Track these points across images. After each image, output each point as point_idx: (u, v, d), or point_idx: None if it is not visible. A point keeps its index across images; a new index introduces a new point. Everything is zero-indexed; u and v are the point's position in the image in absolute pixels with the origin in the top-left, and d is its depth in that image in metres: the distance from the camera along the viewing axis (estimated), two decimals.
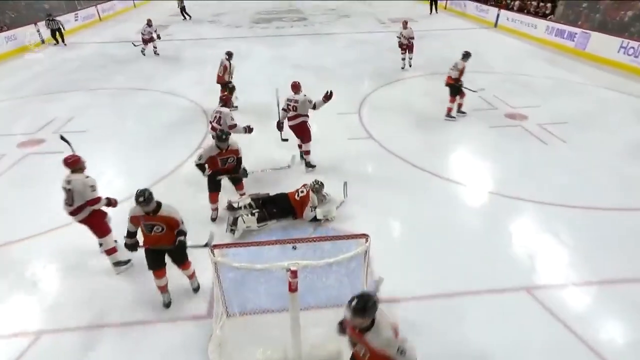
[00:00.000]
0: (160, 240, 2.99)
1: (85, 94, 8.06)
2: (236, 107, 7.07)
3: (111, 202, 3.47)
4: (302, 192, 4.12)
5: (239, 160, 4.06)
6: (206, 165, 3.94)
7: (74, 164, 3.33)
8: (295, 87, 4.86)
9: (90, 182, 3.31)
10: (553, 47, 11.12)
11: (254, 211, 4.04)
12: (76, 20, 14.51)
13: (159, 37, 10.58)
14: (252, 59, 10.15)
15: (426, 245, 3.81)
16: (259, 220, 3.97)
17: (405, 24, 8.67)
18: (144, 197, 2.83)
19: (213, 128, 4.64)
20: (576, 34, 10.44)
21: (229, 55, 6.85)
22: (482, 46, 11.49)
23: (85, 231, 3.54)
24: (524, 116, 6.60)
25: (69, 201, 3.33)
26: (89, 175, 3.34)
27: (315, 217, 4.06)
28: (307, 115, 4.84)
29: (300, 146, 5.16)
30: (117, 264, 3.57)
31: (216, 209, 4.18)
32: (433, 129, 6.20)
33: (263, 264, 2.45)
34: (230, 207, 4.17)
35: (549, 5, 12.67)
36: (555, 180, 4.82)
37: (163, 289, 3.20)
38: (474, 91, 6.50)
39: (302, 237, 3.24)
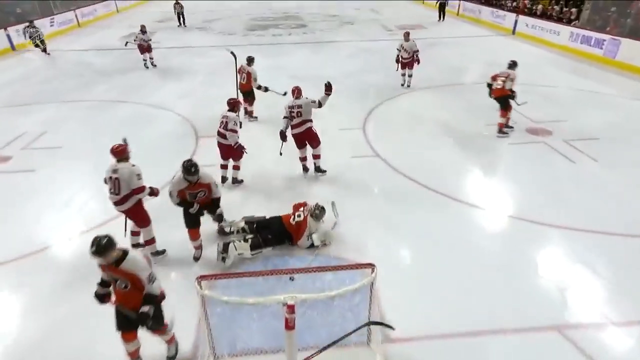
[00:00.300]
0: (127, 299, 2.73)
1: (60, 107, 8.28)
2: (256, 117, 7.41)
3: (154, 192, 3.98)
4: (298, 216, 4.15)
5: (215, 201, 3.88)
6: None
7: (122, 152, 3.88)
8: (297, 92, 5.22)
9: (136, 170, 3.84)
10: (578, 55, 11.47)
11: (247, 236, 4.08)
12: (52, 25, 14.94)
13: (148, 45, 10.66)
14: None
15: (441, 276, 3.83)
16: (252, 248, 4.00)
17: (407, 35, 8.46)
18: (97, 246, 2.56)
19: (220, 134, 5.09)
20: (604, 40, 10.77)
21: (250, 60, 7.16)
22: (499, 55, 11.80)
23: (51, 259, 3.57)
24: (548, 131, 6.74)
25: (116, 190, 3.82)
26: (135, 164, 3.86)
27: (313, 244, 4.11)
28: (312, 120, 5.25)
29: (303, 158, 5.47)
30: (155, 253, 4.12)
31: (199, 247, 4.05)
32: (446, 146, 6.33)
33: (256, 297, 2.48)
34: (222, 232, 4.21)
35: (573, 10, 13.05)
36: (586, 203, 4.88)
37: (133, 355, 2.94)
38: (519, 104, 6.67)
39: (301, 267, 3.27)
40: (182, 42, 13.87)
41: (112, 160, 3.85)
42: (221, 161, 5.34)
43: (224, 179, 5.38)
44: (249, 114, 7.47)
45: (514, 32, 14.47)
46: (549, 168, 5.69)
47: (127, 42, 10.57)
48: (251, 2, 23.12)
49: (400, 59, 8.62)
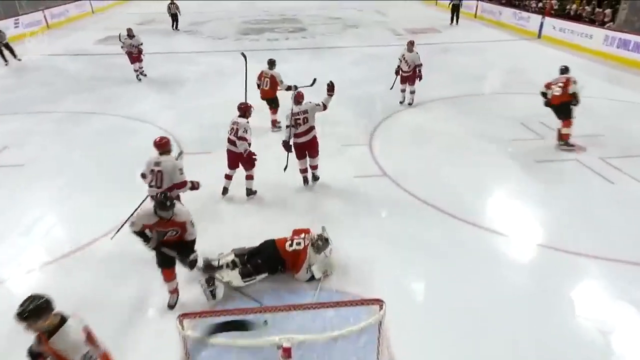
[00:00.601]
0: None
1: (25, 119, 8.44)
2: (280, 126, 7.53)
3: (195, 186, 4.36)
4: (297, 243, 4.17)
5: (189, 244, 3.73)
6: (149, 233, 3.66)
7: (166, 145, 4.37)
8: (300, 97, 5.58)
9: (179, 164, 4.31)
10: (614, 61, 11.74)
11: (239, 270, 4.09)
12: (17, 27, 15.15)
13: (139, 50, 10.35)
14: (239, 78, 10.53)
15: (460, 314, 3.83)
16: (244, 276, 4.01)
17: (410, 45, 8.24)
18: (22, 314, 2.32)
19: (229, 141, 5.35)
20: None
21: (272, 63, 7.50)
22: (523, 61, 12.14)
23: (5, 296, 3.57)
24: (581, 147, 6.85)
25: (158, 183, 4.27)
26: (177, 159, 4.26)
27: (313, 276, 4.13)
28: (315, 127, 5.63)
29: (304, 170, 5.81)
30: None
31: (175, 291, 3.93)
32: (463, 164, 6.42)
33: (247, 338, 2.49)
34: (209, 267, 4.18)
35: (607, 11, 13.30)
36: (628, 230, 4.92)
37: None
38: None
39: (298, 302, 3.28)
40: (166, 48, 14.22)
41: (153, 153, 4.39)
42: (227, 170, 5.56)
43: (225, 191, 5.60)
44: (273, 123, 7.71)
45: (539, 35, 14.85)
46: (583, 189, 5.76)
47: (122, 46, 10.28)
48: (244, 2, 23.80)
49: (400, 72, 8.39)
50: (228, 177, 5.59)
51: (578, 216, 5.18)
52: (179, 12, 17.06)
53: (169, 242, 3.70)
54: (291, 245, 4.17)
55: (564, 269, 4.36)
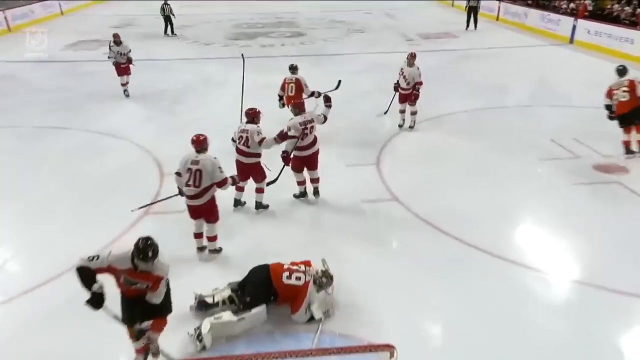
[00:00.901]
0: None
1: None
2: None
3: (235, 181, 4.98)
4: (297, 278, 4.16)
5: (150, 307, 3.53)
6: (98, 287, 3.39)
7: (204, 142, 4.84)
8: (301, 105, 5.98)
9: (218, 162, 4.76)
10: None
11: (236, 309, 4.07)
12: None
13: (129, 59, 10.10)
14: (228, 88, 10.84)
15: None
16: (236, 312, 4.01)
17: (411, 58, 8.10)
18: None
19: (239, 151, 5.64)
20: None
21: (294, 68, 8.10)
22: (554, 70, 12.37)
23: None
24: (624, 169, 6.91)
25: (196, 182, 4.67)
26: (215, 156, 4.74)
27: (312, 317, 4.12)
28: None
29: (302, 182, 6.11)
30: (214, 251, 5.09)
31: (142, 350, 3.68)
32: (485, 187, 6.47)
33: None
34: (202, 305, 4.19)
35: None
36: None
37: None
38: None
39: (296, 348, 3.26)
40: (144, 54, 14.32)
41: (189, 151, 4.81)
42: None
43: (237, 203, 5.96)
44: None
45: (571, 40, 15.15)
46: (627, 217, 5.77)
47: (109, 55, 10.08)
48: (234, 3, 24.33)
49: (399, 89, 8.28)
50: (240, 189, 5.85)
51: (622, 248, 5.17)
52: (173, 15, 17.28)
53: (130, 294, 3.52)
54: (289, 277, 4.15)
55: (606, 311, 4.32)
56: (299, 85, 7.85)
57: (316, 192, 6.15)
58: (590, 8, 15.78)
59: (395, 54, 14.01)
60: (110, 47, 10.02)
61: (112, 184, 6.61)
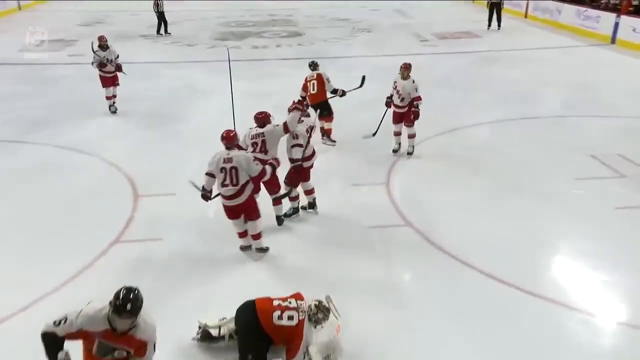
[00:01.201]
0: None
1: None
2: (334, 141, 8.38)
3: (275, 166, 5.42)
4: (290, 318, 4.09)
5: None
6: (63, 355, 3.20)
7: (234, 138, 5.26)
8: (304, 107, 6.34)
9: (251, 155, 5.27)
10: None
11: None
12: None
13: (118, 66, 9.85)
14: (215, 96, 10.97)
15: None
16: None
17: (405, 69, 7.74)
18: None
19: (257, 159, 5.64)
20: None
21: (315, 64, 8.57)
22: (592, 74, 12.49)
23: None
24: None
25: (234, 181, 5.07)
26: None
27: None
28: None
29: (295, 197, 6.23)
30: (260, 250, 5.53)
31: None
32: (515, 210, 6.44)
33: None
34: (206, 336, 4.20)
35: None
36: None
37: None
38: None
39: None
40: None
41: (220, 149, 5.17)
42: None
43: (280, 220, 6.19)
44: (327, 133, 8.46)
45: (613, 40, 15.27)
46: None
47: (93, 62, 9.75)
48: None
49: (393, 107, 7.94)
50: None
51: None
52: (165, 15, 17.44)
53: None
54: (280, 317, 4.08)
55: None
56: (321, 81, 8.25)
57: (314, 204, 6.31)
58: (635, 2, 15.46)
59: (407, 58, 14.10)
60: (94, 51, 9.64)
61: (78, 208, 6.58)
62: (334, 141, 8.40)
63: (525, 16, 19.75)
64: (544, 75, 12.55)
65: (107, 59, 9.69)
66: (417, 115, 7.69)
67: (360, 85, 7.92)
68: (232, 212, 5.30)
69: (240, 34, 17.97)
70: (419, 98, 7.67)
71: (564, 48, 15.29)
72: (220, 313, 4.37)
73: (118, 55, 9.94)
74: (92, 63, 9.73)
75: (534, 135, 8.88)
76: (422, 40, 16.57)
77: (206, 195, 5.27)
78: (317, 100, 8.26)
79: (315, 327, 4.19)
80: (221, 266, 5.44)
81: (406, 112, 7.79)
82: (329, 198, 6.37)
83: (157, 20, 17.45)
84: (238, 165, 5.07)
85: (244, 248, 5.58)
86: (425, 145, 8.39)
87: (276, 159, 5.56)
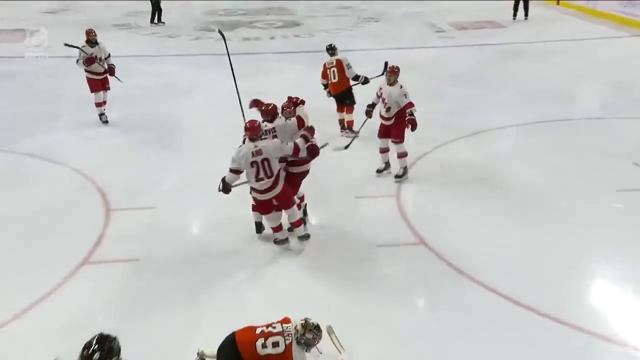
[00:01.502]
0: None
1: None
2: (356, 133, 8.30)
3: (308, 138, 5.69)
4: (275, 343, 4.09)
5: None
6: None
7: (258, 129, 5.61)
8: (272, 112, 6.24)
9: (276, 140, 5.68)
10: None
11: None
12: None
13: (110, 69, 9.59)
14: (199, 95, 11.12)
15: None
16: None
17: (392, 73, 7.37)
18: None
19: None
20: None
21: (332, 48, 8.96)
22: (636, 70, 12.46)
23: None
24: None
25: (268, 172, 5.47)
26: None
27: None
28: None
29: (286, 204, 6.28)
30: (303, 237, 5.94)
31: None
32: (545, 227, 6.42)
33: None
34: None
35: None
36: None
37: None
38: None
39: None
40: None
41: (245, 143, 5.59)
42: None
43: (259, 227, 6.29)
44: (347, 125, 8.83)
45: None
46: None
47: (78, 59, 9.41)
48: None
49: (380, 118, 7.53)
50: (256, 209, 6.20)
51: None
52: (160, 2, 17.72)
53: None
54: (264, 345, 4.07)
55: None
56: (341, 67, 8.60)
57: (306, 213, 6.46)
58: None
59: (421, 51, 14.21)
60: (81, 48, 9.29)
61: (40, 224, 6.59)
62: (356, 132, 8.37)
63: (558, 3, 19.86)
64: (578, 70, 12.57)
65: (97, 58, 9.32)
66: (414, 125, 7.14)
67: (383, 72, 8.01)
68: (266, 206, 5.72)
69: (229, 23, 18.00)
70: (410, 104, 7.18)
71: (602, 39, 15.34)
72: (209, 343, 4.38)
73: (109, 55, 9.66)
74: (77, 61, 9.40)
75: (566, 140, 8.90)
76: (437, 31, 16.63)
77: (227, 189, 5.65)
78: (340, 88, 8.54)
79: (307, 350, 4.19)
80: (208, 290, 5.42)
81: (393, 125, 7.38)
82: (329, 212, 6.38)
83: (151, 9, 17.67)
84: (268, 155, 5.44)
85: (280, 242, 5.92)
86: (441, 152, 8.44)
87: (308, 128, 5.86)
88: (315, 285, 5.56)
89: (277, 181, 5.57)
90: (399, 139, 7.40)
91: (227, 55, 7.63)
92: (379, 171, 7.71)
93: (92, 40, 9.34)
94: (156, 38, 16.23)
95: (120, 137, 9.23)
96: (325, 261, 5.93)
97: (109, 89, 9.67)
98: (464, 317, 5.06)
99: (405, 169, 7.54)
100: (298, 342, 4.13)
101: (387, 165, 7.72)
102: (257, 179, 5.49)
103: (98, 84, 9.51)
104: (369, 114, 7.67)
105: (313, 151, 5.70)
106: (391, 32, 16.70)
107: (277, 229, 5.87)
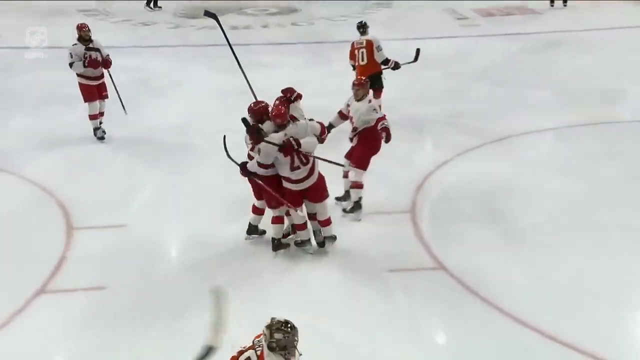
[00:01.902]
0: None
1: None
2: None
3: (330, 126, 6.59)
4: (246, 359, 4.13)
5: None
6: None
7: (286, 113, 5.87)
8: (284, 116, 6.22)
9: (303, 121, 6.01)
10: None
11: None
12: None
13: (105, 63, 9.27)
14: (180, 94, 11.23)
15: None
16: None
17: (359, 86, 7.09)
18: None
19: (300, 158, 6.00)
20: None
21: (363, 26, 9.62)
22: None
23: None
24: None
25: (304, 160, 5.83)
26: None
27: None
28: None
29: (302, 226, 6.43)
30: (331, 238, 6.36)
31: None
32: (588, 250, 6.42)
33: None
34: None
35: None
36: None
37: None
38: None
39: None
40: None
41: (274, 134, 5.71)
42: (254, 201, 6.39)
43: (252, 230, 6.51)
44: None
45: None
46: None
47: (71, 63, 9.06)
48: None
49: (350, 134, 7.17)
50: (258, 212, 6.45)
51: None
52: None
53: None
54: None
55: None
56: (371, 49, 9.14)
57: (323, 242, 6.47)
58: None
59: (440, 42, 14.24)
60: (73, 46, 9.11)
61: None
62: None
63: None
64: (627, 65, 12.58)
65: (91, 60, 9.03)
66: (388, 135, 6.82)
67: (415, 59, 8.64)
68: (301, 197, 6.09)
69: (214, 8, 17.80)
70: (382, 118, 6.90)
71: None
72: None
73: (108, 54, 9.40)
74: (70, 65, 9.03)
75: (613, 145, 8.91)
76: (459, 18, 16.70)
77: (250, 173, 5.93)
78: (368, 72, 8.78)
79: (284, 355, 4.20)
80: (187, 320, 5.30)
81: (357, 147, 7.10)
82: (335, 230, 6.37)
83: None
84: (303, 142, 5.77)
85: (302, 243, 6.31)
86: (463, 160, 8.47)
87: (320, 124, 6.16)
88: (317, 317, 5.43)
89: (314, 168, 5.96)
90: (359, 165, 7.01)
91: (227, 41, 7.72)
92: (337, 199, 7.31)
93: (84, 37, 9.05)
94: (128, 26, 16.28)
95: (84, 145, 9.28)
96: (329, 288, 5.93)
97: (106, 97, 9.34)
98: (493, 355, 5.04)
99: (357, 204, 7.08)
100: (271, 349, 4.15)
101: (348, 194, 7.30)
102: (293, 168, 5.81)
103: (93, 92, 9.16)
104: (329, 129, 6.85)
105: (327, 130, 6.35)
106: (404, 19, 16.78)
107: (302, 226, 6.19)
